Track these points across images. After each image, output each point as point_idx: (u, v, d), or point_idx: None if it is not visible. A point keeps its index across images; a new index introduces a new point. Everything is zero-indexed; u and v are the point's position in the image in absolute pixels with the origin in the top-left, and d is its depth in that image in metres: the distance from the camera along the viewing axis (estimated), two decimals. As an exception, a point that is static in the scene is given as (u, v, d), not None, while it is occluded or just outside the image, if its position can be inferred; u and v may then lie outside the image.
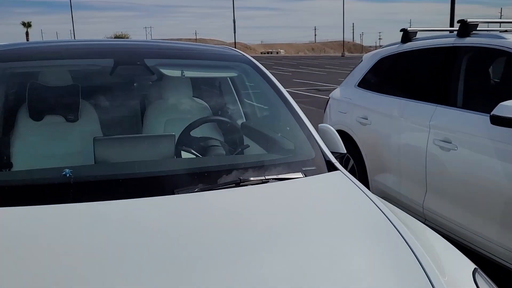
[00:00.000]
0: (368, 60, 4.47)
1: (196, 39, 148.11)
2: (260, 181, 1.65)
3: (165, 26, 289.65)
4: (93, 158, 1.92)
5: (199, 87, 3.00)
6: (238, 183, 1.62)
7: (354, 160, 4.19)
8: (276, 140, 2.24)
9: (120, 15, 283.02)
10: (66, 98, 2.56)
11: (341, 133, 4.35)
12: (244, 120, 2.86)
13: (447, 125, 3.09)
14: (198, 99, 2.93)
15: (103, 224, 1.37)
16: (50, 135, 2.56)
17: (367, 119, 3.97)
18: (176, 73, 2.56)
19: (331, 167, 1.89)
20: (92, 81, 2.76)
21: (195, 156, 2.22)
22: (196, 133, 2.34)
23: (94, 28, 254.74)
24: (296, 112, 2.18)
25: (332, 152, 2.18)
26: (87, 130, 2.62)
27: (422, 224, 1.72)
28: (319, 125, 2.29)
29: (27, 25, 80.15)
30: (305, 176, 1.75)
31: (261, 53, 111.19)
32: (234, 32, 50.38)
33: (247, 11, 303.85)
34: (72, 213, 1.42)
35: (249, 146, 2.35)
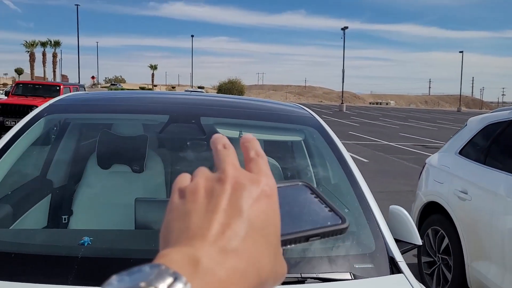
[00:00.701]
0: (473, 125, 3.93)
1: (305, 86, 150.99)
2: (296, 280, 1.35)
3: (276, 73, 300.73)
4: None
5: (270, 144, 2.81)
6: None
7: (449, 239, 3.61)
8: None
9: (236, 61, 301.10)
10: (134, 148, 2.54)
11: (435, 205, 3.81)
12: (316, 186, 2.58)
13: None
14: (270, 158, 2.73)
15: None
16: (115, 184, 2.54)
17: (467, 193, 3.42)
18: (234, 134, 2.39)
19: (394, 267, 1.52)
20: (162, 133, 2.72)
21: None
22: None
23: (211, 72, 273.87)
24: (360, 189, 1.84)
25: (404, 242, 1.80)
26: (152, 183, 2.56)
27: None
28: (390, 207, 1.92)
29: (154, 67, 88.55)
30: (354, 278, 1.41)
31: (370, 103, 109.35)
32: (343, 81, 50.19)
33: (358, 61, 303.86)
34: None
35: None
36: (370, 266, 1.50)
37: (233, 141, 1.85)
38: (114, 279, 0.33)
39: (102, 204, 2.47)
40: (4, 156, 1.96)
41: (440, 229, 3.74)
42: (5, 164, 2.01)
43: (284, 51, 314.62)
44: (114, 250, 1.47)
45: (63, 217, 2.45)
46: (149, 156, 2.54)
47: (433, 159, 4.23)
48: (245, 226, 0.39)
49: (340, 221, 0.47)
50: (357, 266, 1.47)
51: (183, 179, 0.45)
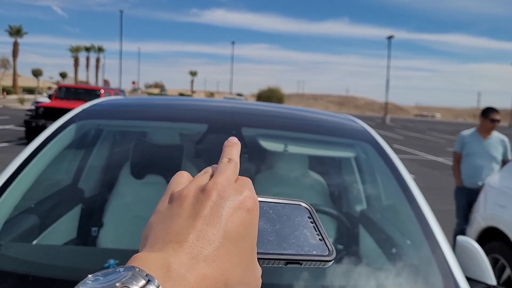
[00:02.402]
0: (541, 143, 3.54)
1: (346, 96, 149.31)
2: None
3: (316, 81, 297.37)
4: None
5: (317, 158, 2.59)
6: None
7: (511, 269, 3.24)
8: (386, 253, 1.66)
9: (275, 68, 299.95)
10: (169, 159, 2.40)
11: (496, 232, 3.45)
12: (365, 207, 2.32)
13: None
14: (315, 174, 2.51)
15: None
16: (148, 196, 2.40)
17: (534, 220, 3.05)
18: (277, 147, 2.18)
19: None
20: (199, 143, 2.56)
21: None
22: None
23: (250, 79, 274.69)
24: (423, 215, 1.57)
25: (474, 281, 1.53)
26: None
27: None
28: (457, 237, 1.65)
29: (194, 74, 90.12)
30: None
31: (414, 115, 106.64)
32: (387, 91, 49.06)
33: (403, 71, 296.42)
34: None
35: (355, 251, 1.82)
36: None
37: (277, 155, 1.59)
38: (89, 278, 0.35)
39: (134, 216, 2.34)
40: (32, 162, 1.84)
41: (500, 257, 3.37)
42: (33, 171, 1.90)
43: (325, 59, 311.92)
44: None
45: (93, 229, 2.33)
46: (185, 167, 2.38)
47: (493, 179, 3.86)
48: (221, 236, 0.40)
49: (327, 253, 0.45)
50: None
51: (179, 181, 0.48)
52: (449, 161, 14.73)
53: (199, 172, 1.81)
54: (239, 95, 72.70)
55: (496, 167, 4.50)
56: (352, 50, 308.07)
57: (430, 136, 27.47)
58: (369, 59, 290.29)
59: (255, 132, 2.09)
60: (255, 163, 2.32)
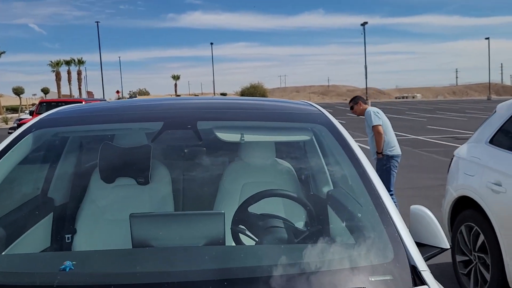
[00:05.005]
0: (503, 111, 3.65)
1: (328, 86, 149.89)
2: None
3: (298, 74, 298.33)
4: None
5: (282, 147, 2.63)
6: None
7: (484, 235, 3.34)
8: (343, 229, 1.72)
9: (257, 65, 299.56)
10: (137, 160, 2.41)
11: (468, 200, 3.54)
12: (332, 188, 2.38)
13: None
14: (282, 161, 2.55)
15: None
16: (120, 199, 2.41)
17: (501, 185, 3.14)
18: (234, 137, 2.22)
19: (417, 278, 1.32)
20: (167, 142, 2.58)
21: (252, 239, 1.82)
22: (265, 205, 1.94)
23: (233, 78, 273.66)
24: (375, 189, 1.63)
25: (430, 247, 1.59)
26: (158, 194, 2.42)
27: None
28: (411, 207, 1.71)
29: (176, 78, 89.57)
30: (369, 294, 1.21)
31: (396, 98, 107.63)
32: (366, 78, 49.44)
33: (381, 56, 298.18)
34: None
35: (320, 230, 1.87)
36: (389, 278, 1.30)
37: (244, 145, 1.65)
38: None
39: (107, 220, 2.35)
40: None
41: (474, 225, 3.47)
42: None
43: (305, 52, 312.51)
44: (95, 276, 1.32)
45: (67, 236, 2.34)
46: (154, 166, 2.40)
47: (462, 150, 3.95)
48: None
49: None
50: (372, 279, 1.28)
51: None
52: (428, 139, 14.96)
53: (167, 169, 1.91)
54: (222, 94, 72.46)
55: None
56: (330, 40, 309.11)
57: (410, 116, 27.80)
58: (348, 47, 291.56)
59: (212, 125, 2.12)
60: (215, 155, 2.36)
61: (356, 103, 5.86)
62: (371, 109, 5.62)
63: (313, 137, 2.19)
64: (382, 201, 1.58)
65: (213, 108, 2.37)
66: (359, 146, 1.94)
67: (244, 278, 1.28)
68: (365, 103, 5.86)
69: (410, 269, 1.34)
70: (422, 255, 1.48)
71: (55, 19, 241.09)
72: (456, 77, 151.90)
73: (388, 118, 5.84)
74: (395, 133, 5.86)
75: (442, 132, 17.25)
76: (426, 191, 7.39)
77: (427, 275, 1.32)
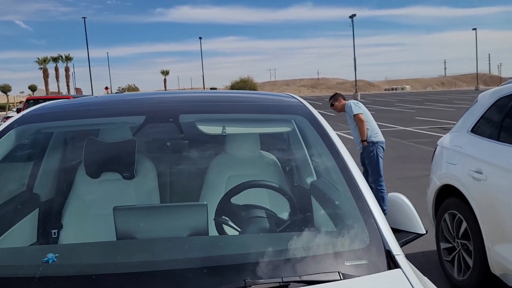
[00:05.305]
0: (484, 100, 3.71)
1: (318, 79, 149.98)
2: (277, 285, 1.20)
3: (288, 68, 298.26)
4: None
5: (267, 139, 2.67)
6: None
7: (467, 222, 3.41)
8: (324, 218, 1.77)
9: (246, 59, 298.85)
10: (122, 154, 2.42)
11: (451, 188, 3.61)
12: (315, 179, 2.42)
13: None
14: (267, 153, 2.59)
15: None
16: (106, 194, 2.43)
17: (481, 173, 3.21)
18: (216, 130, 2.25)
19: (391, 262, 1.36)
20: (149, 136, 2.60)
21: (235, 229, 1.86)
22: (247, 195, 1.98)
23: (223, 72, 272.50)
24: (353, 177, 1.68)
25: (406, 232, 1.64)
26: (144, 188, 2.45)
27: None
28: (389, 194, 1.76)
29: (165, 73, 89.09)
30: (343, 277, 1.25)
31: (385, 89, 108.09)
32: (355, 70, 49.56)
33: (370, 48, 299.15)
34: None
35: (302, 219, 1.91)
36: (364, 262, 1.34)
37: (229, 138, 1.69)
38: None
39: (93, 215, 2.37)
40: None
41: (457, 213, 3.54)
42: None
43: (294, 45, 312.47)
44: (77, 266, 1.35)
45: (53, 231, 2.35)
46: (139, 161, 2.42)
47: (445, 140, 4.03)
48: None
49: None
50: (348, 264, 1.32)
51: None
52: (417, 130, 15.10)
53: (153, 163, 1.94)
54: (212, 89, 72.20)
55: None
56: (319, 33, 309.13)
57: (399, 108, 27.97)
58: (337, 40, 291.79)
59: (194, 118, 2.15)
60: (200, 148, 2.38)
61: (336, 99, 6.08)
62: (350, 101, 5.84)
63: (296, 128, 2.23)
64: (360, 189, 1.63)
65: (195, 101, 2.39)
66: (338, 135, 1.98)
67: (225, 266, 1.32)
68: (345, 99, 6.08)
69: (385, 254, 1.38)
70: (399, 241, 1.53)
71: (41, 15, 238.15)
72: (445, 68, 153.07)
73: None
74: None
75: (430, 123, 17.40)
76: (414, 181, 7.49)
77: (401, 259, 1.37)
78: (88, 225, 2.34)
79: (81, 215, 2.35)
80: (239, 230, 1.84)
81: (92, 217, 2.36)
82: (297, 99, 2.31)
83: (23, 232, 2.23)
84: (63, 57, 68.59)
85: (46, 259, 1.35)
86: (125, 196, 2.42)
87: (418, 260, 4.12)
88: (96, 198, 2.43)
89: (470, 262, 3.37)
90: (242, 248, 1.49)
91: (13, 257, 1.51)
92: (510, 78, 5.90)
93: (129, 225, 1.72)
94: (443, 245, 3.77)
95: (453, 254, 3.63)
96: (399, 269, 1.32)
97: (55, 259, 1.36)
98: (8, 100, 55.83)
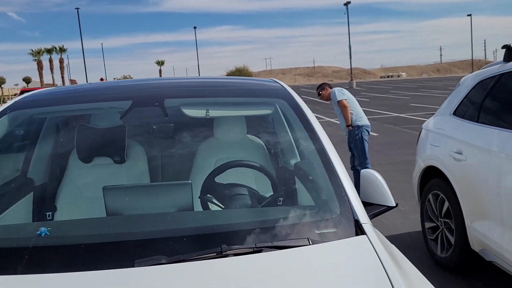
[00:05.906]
0: (466, 84, 3.82)
1: (314, 67, 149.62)
2: (251, 250, 1.32)
3: (284, 56, 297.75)
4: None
5: (253, 123, 2.77)
6: (219, 253, 1.31)
7: (449, 202, 3.54)
8: (303, 195, 1.88)
9: (241, 48, 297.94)
10: (113, 140, 2.52)
11: (434, 170, 3.73)
12: (299, 160, 2.53)
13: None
14: (253, 137, 2.69)
15: None
16: (98, 178, 2.53)
17: (461, 153, 3.33)
18: (200, 113, 2.35)
19: (358, 230, 1.48)
20: (139, 121, 2.69)
21: (219, 206, 1.97)
22: (234, 176, 2.09)
23: (218, 62, 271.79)
24: (327, 155, 1.79)
25: (378, 205, 1.75)
26: (135, 172, 2.54)
27: None
28: (361, 171, 1.87)
29: (160, 63, 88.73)
30: (311, 243, 1.36)
31: (381, 77, 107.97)
32: (350, 58, 49.68)
33: (365, 36, 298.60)
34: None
35: (282, 196, 2.02)
36: (333, 230, 1.46)
37: (200, 120, 1.81)
38: None
39: (86, 198, 2.47)
40: None
41: (440, 193, 3.67)
42: None
43: (289, 33, 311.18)
44: (67, 238, 1.46)
45: (47, 213, 2.46)
46: (130, 145, 2.52)
47: (429, 123, 4.14)
48: None
49: None
50: (318, 232, 1.44)
51: None
52: (411, 116, 15.22)
53: (143, 148, 2.08)
54: None
55: None
56: (315, 21, 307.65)
57: (394, 95, 28.09)
58: (332, 27, 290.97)
59: (179, 102, 2.24)
60: (189, 132, 2.48)
61: (323, 89, 6.27)
62: (334, 88, 6.05)
63: (280, 111, 2.33)
64: (333, 165, 1.74)
65: (179, 86, 2.49)
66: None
67: (204, 234, 1.43)
68: (331, 88, 6.27)
69: (354, 223, 1.50)
70: (370, 212, 1.64)
71: (33, 7, 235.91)
72: (440, 55, 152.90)
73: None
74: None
75: (424, 109, 17.52)
76: (404, 166, 7.61)
77: (367, 227, 1.49)
78: (81, 208, 2.44)
79: (74, 198, 2.45)
80: (222, 207, 1.95)
81: (84, 200, 2.46)
82: (278, 83, 2.41)
83: (19, 214, 2.34)
84: (57, 48, 68.19)
85: (39, 232, 1.46)
86: (116, 180, 2.52)
87: (404, 240, 4.27)
88: (89, 182, 2.53)
89: (452, 239, 3.50)
90: (221, 220, 1.61)
91: (9, 232, 1.61)
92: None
93: (118, 203, 1.83)
94: (427, 225, 3.90)
95: (437, 232, 3.76)
96: (365, 235, 1.44)
97: (48, 233, 1.46)
98: (2, 92, 55.63)
